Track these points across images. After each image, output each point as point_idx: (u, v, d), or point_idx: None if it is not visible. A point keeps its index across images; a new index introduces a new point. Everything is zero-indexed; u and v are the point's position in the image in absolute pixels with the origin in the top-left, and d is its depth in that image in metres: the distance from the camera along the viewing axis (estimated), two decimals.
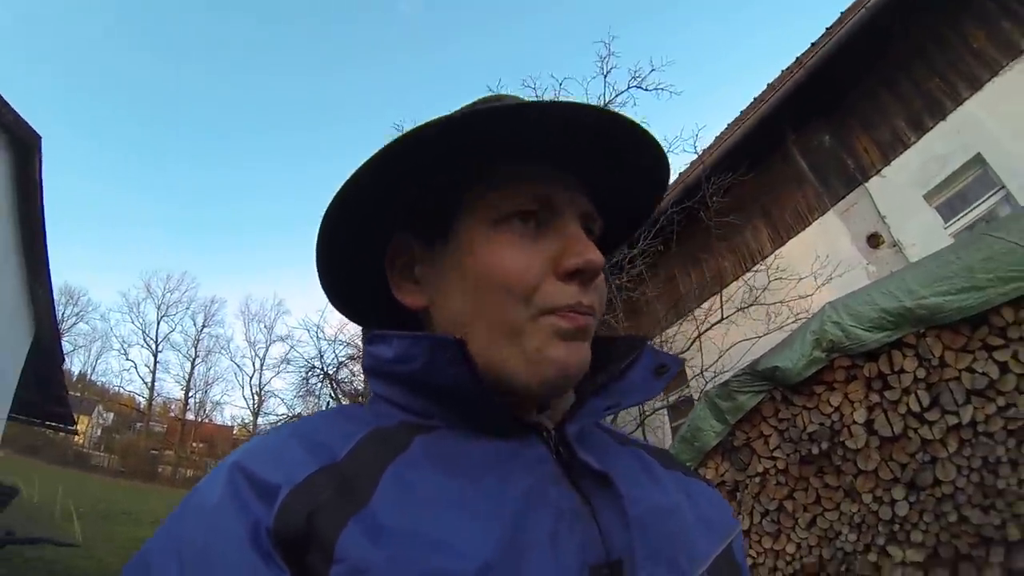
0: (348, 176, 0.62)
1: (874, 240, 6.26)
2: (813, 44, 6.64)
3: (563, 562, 0.50)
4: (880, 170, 6.44)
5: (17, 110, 8.01)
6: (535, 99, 0.59)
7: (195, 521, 0.49)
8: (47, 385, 11.59)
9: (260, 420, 40.19)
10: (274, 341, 45.11)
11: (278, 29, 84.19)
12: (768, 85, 7.13)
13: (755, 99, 7.33)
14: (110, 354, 52.38)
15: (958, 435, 2.99)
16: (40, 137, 8.68)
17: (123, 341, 53.50)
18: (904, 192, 6.13)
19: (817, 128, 7.23)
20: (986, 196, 5.67)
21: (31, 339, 10.39)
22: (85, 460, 32.64)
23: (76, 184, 76.62)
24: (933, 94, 6.05)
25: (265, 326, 55.49)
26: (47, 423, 14.37)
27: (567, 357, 0.59)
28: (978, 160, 5.62)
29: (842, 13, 6.35)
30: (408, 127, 0.57)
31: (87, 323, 47.39)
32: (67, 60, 74.04)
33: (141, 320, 48.99)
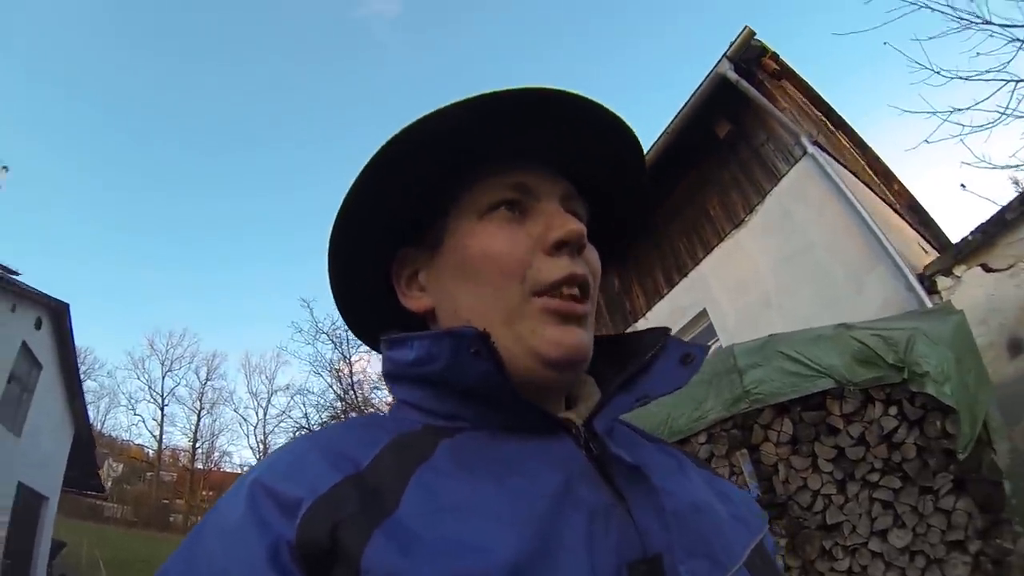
0: (341, 202, 0.64)
1: None
2: None
3: (599, 562, 0.48)
4: (645, 314, 7.82)
5: (48, 292, 12.36)
6: (497, 89, 0.58)
7: (214, 542, 0.49)
8: (85, 466, 16.28)
9: None
10: (275, 392, 45.38)
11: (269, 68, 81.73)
12: None
13: None
14: (118, 410, 52.36)
15: None
16: (68, 304, 13.07)
17: (130, 397, 51.41)
18: None
19: (609, 272, 8.62)
20: (708, 343, 6.96)
21: (72, 436, 14.96)
22: (99, 512, 33.14)
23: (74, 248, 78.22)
24: (681, 253, 7.41)
25: (266, 377, 55.78)
26: (85, 492, 19.99)
27: (562, 337, 0.59)
28: (704, 314, 6.93)
29: None
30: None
31: (95, 380, 45.56)
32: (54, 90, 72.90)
33: (147, 376, 47.93)
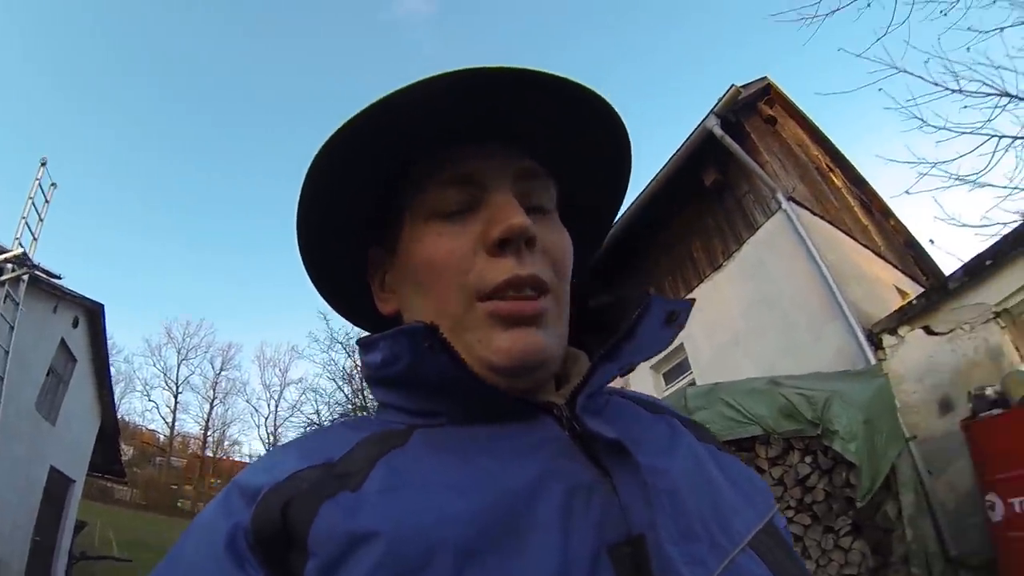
0: (296, 205, 0.61)
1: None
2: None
3: (575, 543, 0.46)
4: None
5: (84, 293, 13.37)
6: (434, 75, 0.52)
7: (190, 540, 0.50)
8: (108, 453, 17.54)
9: None
10: (287, 385, 46.28)
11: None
12: None
13: None
14: (133, 395, 49.69)
15: None
16: (103, 305, 14.11)
17: (145, 383, 51.50)
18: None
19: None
20: (684, 375, 7.51)
21: (99, 424, 16.07)
22: (109, 493, 32.60)
23: (94, 226, 74.15)
24: (666, 290, 7.90)
25: (280, 370, 55.92)
26: (107, 476, 21.17)
27: (512, 344, 0.55)
28: (682, 348, 7.41)
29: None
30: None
31: (112, 365, 44.38)
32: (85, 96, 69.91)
33: (163, 363, 48.32)
